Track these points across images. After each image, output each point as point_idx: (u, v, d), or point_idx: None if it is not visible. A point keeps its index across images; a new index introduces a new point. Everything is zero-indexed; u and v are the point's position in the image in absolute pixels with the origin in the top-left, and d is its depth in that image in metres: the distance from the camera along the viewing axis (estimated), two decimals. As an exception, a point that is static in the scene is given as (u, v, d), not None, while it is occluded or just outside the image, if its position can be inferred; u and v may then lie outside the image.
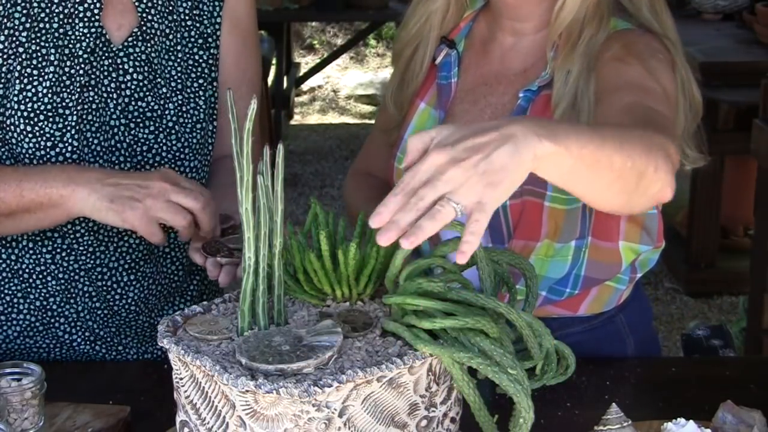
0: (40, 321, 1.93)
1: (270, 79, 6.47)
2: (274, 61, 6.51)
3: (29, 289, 1.92)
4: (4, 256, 1.91)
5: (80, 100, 1.84)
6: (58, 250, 1.90)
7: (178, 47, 1.92)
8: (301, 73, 7.79)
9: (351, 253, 1.42)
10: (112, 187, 1.71)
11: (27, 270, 1.92)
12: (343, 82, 8.10)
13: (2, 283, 1.92)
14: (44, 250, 1.90)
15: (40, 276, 1.92)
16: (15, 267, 1.92)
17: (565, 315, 1.92)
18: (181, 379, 1.37)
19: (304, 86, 7.83)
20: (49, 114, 1.82)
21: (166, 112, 1.89)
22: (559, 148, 1.28)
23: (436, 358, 1.34)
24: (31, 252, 1.91)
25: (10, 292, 1.93)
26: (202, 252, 1.72)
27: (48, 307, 1.93)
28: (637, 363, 1.89)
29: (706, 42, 4.60)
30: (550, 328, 1.86)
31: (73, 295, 1.93)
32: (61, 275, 1.91)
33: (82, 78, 1.84)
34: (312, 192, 6.02)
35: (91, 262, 1.91)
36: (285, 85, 6.89)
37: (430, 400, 1.36)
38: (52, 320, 1.94)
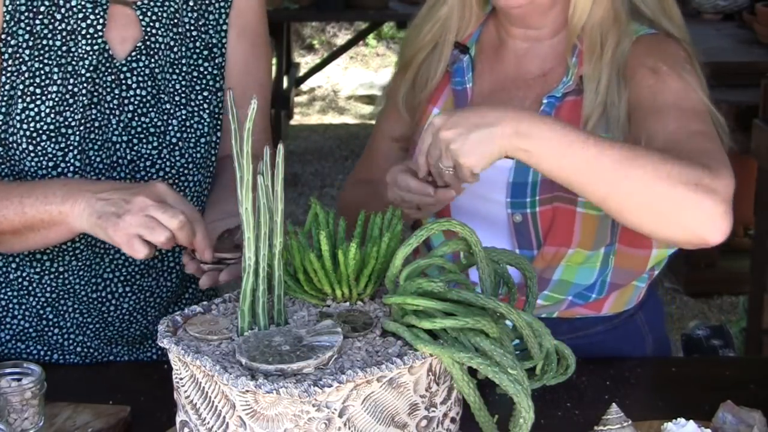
0: (34, 327, 1.92)
1: (270, 79, 6.46)
2: (274, 61, 6.52)
3: (24, 298, 1.91)
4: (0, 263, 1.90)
5: (83, 119, 1.81)
6: (46, 272, 1.88)
7: (183, 60, 1.89)
8: (301, 73, 7.79)
9: (351, 253, 1.42)
10: (103, 201, 1.66)
11: (18, 283, 1.90)
12: (343, 82, 8.11)
13: None
14: (32, 271, 1.88)
15: (28, 291, 1.90)
16: (10, 277, 1.90)
17: (589, 315, 1.93)
18: (181, 379, 1.37)
19: (304, 86, 7.83)
20: (52, 134, 1.80)
21: (170, 128, 1.87)
22: (527, 152, 1.58)
23: (436, 358, 1.34)
24: (18, 272, 1.89)
25: (5, 297, 1.91)
26: (189, 253, 1.70)
27: (44, 315, 1.91)
28: (637, 363, 1.89)
29: (706, 42, 4.60)
30: (574, 327, 1.90)
31: (64, 310, 1.91)
32: (49, 293, 1.89)
33: (84, 97, 1.81)
34: (312, 192, 6.03)
35: (87, 275, 1.89)
36: (285, 85, 6.89)
37: (430, 400, 1.36)
38: (47, 329, 1.92)
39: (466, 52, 1.96)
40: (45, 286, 1.89)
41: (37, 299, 1.90)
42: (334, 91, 7.94)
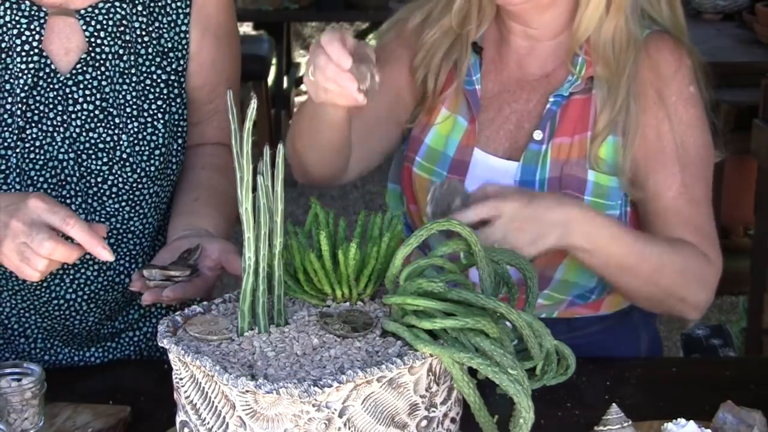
0: (1, 336, 1.87)
1: (270, 79, 6.46)
2: (274, 61, 6.51)
3: None
4: None
5: (21, 139, 1.74)
6: (4, 288, 1.81)
7: (132, 69, 1.80)
8: (301, 73, 7.78)
9: (351, 253, 1.42)
10: None
11: None
12: (344, 82, 8.09)
13: None
14: None
15: None
16: None
17: (587, 315, 1.94)
18: (181, 379, 1.37)
19: (304, 86, 7.82)
20: None
21: (120, 144, 1.79)
22: (587, 252, 1.74)
23: (436, 358, 1.34)
24: None
25: None
26: (139, 272, 1.65)
27: (8, 325, 1.86)
28: (637, 363, 1.89)
29: (706, 42, 4.59)
30: (572, 327, 1.92)
31: (28, 324, 1.86)
32: (11, 307, 1.83)
33: (20, 118, 1.73)
34: (312, 192, 6.01)
35: (47, 295, 1.82)
36: (285, 85, 6.88)
37: (431, 401, 1.36)
38: (12, 337, 1.87)
39: (478, 52, 1.95)
40: (4, 300, 1.83)
41: (1, 308, 1.85)
42: (334, 91, 7.93)
